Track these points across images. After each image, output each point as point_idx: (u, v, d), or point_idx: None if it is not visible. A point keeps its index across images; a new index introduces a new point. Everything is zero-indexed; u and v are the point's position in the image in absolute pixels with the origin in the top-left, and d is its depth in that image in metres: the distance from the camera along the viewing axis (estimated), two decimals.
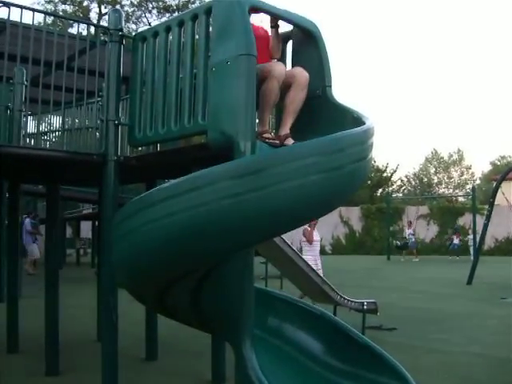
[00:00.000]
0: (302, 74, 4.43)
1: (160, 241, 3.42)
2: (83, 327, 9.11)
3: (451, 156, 70.00)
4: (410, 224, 30.28)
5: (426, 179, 69.02)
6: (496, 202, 17.62)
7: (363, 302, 8.48)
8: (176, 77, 4.74)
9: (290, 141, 4.26)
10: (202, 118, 4.33)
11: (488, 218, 17.31)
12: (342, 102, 4.60)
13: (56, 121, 10.90)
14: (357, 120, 4.15)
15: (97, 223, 19.10)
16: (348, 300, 8.38)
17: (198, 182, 3.32)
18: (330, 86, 4.66)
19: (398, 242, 29.85)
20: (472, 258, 25.93)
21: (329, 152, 3.42)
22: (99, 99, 7.66)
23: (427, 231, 34.28)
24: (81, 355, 7.35)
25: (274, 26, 4.72)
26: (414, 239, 29.75)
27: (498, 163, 69.35)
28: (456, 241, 28.50)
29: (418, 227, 32.13)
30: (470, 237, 28.52)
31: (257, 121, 4.19)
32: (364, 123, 3.94)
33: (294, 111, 4.40)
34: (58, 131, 10.41)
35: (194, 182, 3.33)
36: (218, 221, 3.25)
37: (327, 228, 34.66)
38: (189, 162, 5.07)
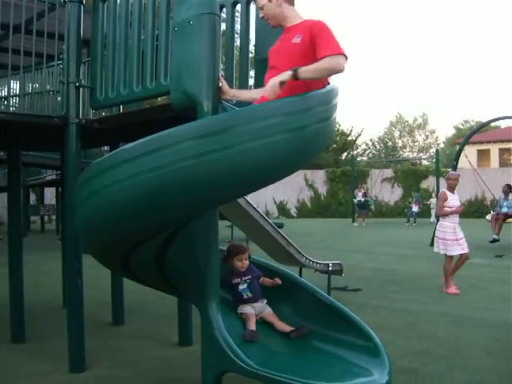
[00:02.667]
0: None
1: (123, 202, 3.36)
2: (49, 294, 9.05)
3: (416, 120, 70.73)
4: (361, 187, 30.11)
5: (390, 143, 69.64)
6: (459, 166, 17.81)
7: (328, 264, 8.57)
8: (138, 37, 4.67)
9: None
10: (164, 78, 4.29)
11: None
12: None
13: (16, 85, 10.66)
14: None
15: (60, 189, 18.88)
16: (313, 262, 8.45)
17: (161, 142, 3.27)
18: None
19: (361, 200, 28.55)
20: (431, 220, 26.50)
21: (293, 112, 3.39)
22: (59, 62, 7.51)
23: (391, 194, 34.85)
24: (47, 322, 7.30)
25: None
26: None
27: (462, 127, 70.29)
28: (415, 208, 28.83)
29: (383, 190, 32.51)
30: (433, 200, 28.92)
31: None
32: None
33: None
34: (18, 96, 10.19)
35: (157, 143, 3.27)
36: (182, 182, 3.21)
37: (292, 191, 35.01)
38: (152, 123, 5.00)
